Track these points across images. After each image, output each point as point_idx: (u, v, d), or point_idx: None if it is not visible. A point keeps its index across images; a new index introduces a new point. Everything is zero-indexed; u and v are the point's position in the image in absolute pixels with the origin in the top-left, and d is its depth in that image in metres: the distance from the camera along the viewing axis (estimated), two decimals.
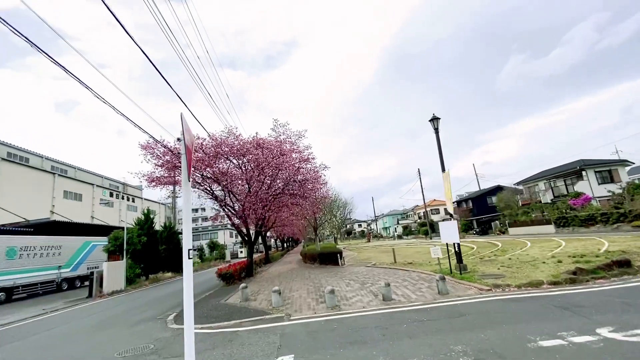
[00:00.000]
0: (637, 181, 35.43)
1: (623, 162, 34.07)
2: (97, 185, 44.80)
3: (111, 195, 47.47)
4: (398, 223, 77.38)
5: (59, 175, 36.62)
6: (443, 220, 10.93)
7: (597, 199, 31.10)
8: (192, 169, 14.82)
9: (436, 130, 11.87)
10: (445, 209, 57.51)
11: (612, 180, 32.87)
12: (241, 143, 14.58)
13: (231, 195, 15.66)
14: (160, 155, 14.61)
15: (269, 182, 15.61)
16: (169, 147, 14.17)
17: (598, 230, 24.90)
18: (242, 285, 9.72)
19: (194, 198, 17.68)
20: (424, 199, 44.05)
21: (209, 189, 16.23)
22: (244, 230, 17.00)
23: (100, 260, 21.63)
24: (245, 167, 15.39)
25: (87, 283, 19.88)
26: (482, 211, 48.16)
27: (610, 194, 29.94)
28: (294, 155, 16.06)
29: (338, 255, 17.84)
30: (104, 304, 13.41)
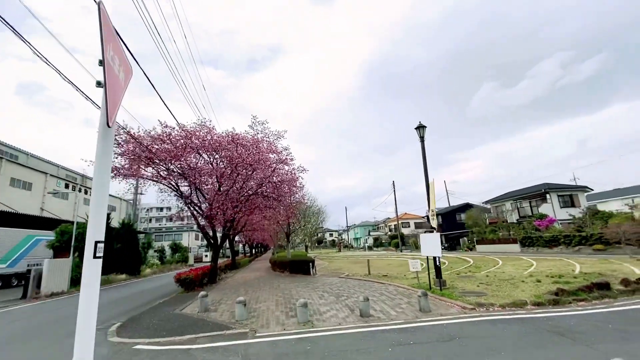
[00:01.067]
0: (594, 206, 37.66)
1: (584, 188, 35.98)
2: (51, 175, 40.91)
3: (67, 186, 43.72)
4: (369, 234, 77.60)
5: (7, 160, 33.09)
6: (425, 232, 10.40)
7: (559, 222, 32.41)
8: (157, 160, 13.49)
9: (422, 138, 11.44)
10: (425, 220, 57.79)
11: (572, 205, 34.57)
12: (214, 137, 13.45)
13: (198, 193, 14.37)
14: (122, 143, 13.16)
15: (241, 181, 14.51)
16: (132, 133, 12.76)
17: (561, 252, 25.70)
18: (202, 293, 8.55)
19: (156, 193, 16.19)
20: (396, 212, 44.22)
21: (174, 184, 14.85)
22: (210, 232, 15.67)
23: (45, 257, 19.26)
24: (217, 163, 14.22)
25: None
26: (451, 227, 49.05)
27: (571, 217, 31.40)
28: (271, 156, 15.15)
29: (310, 264, 16.91)
30: (38, 308, 11.57)
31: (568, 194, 35.54)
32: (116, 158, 13.68)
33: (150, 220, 76.22)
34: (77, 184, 46.62)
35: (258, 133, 14.73)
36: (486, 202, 45.89)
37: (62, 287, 15.83)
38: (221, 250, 49.68)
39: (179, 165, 13.09)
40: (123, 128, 12.03)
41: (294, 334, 6.31)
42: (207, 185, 15.00)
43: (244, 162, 13.28)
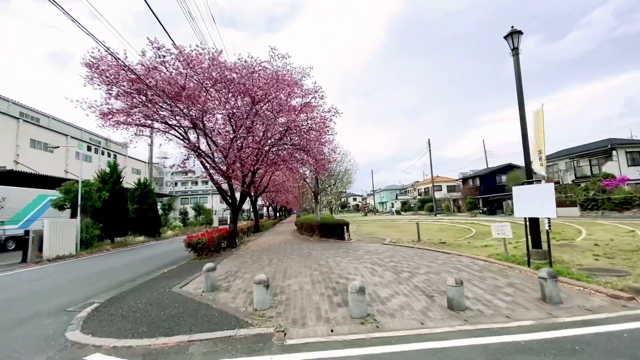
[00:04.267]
0: None
1: None
2: (72, 137, 40.03)
3: (89, 149, 43.31)
4: (396, 198, 74.56)
5: (24, 121, 32.11)
6: (522, 183, 7.24)
7: (626, 182, 27.92)
8: (156, 97, 10.71)
9: (515, 49, 7.88)
10: (459, 183, 53.61)
11: None
12: (222, 66, 10.40)
13: (208, 140, 11.66)
14: (112, 79, 10.45)
15: (262, 125, 11.60)
16: (130, 65, 9.95)
17: (634, 216, 21.85)
18: (208, 265, 6.03)
19: (171, 150, 13.71)
20: (431, 172, 40.50)
21: (183, 133, 12.23)
22: (227, 189, 13.19)
23: (61, 218, 17.96)
24: (229, 102, 11.29)
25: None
26: (490, 190, 45.03)
27: None
28: (294, 102, 12.18)
29: (344, 227, 14.29)
30: (24, 275, 9.73)
31: (638, 151, 30.45)
32: (109, 99, 11.14)
33: (176, 183, 76.67)
34: (99, 146, 46.20)
35: (279, 71, 11.59)
36: None
37: (69, 249, 14.25)
38: (244, 213, 48.57)
39: (183, 106, 10.26)
40: (114, 55, 9.12)
41: (350, 344, 3.63)
42: (218, 132, 12.27)
43: (266, 96, 10.39)
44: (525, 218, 7.07)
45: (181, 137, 12.28)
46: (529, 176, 7.44)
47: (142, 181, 23.25)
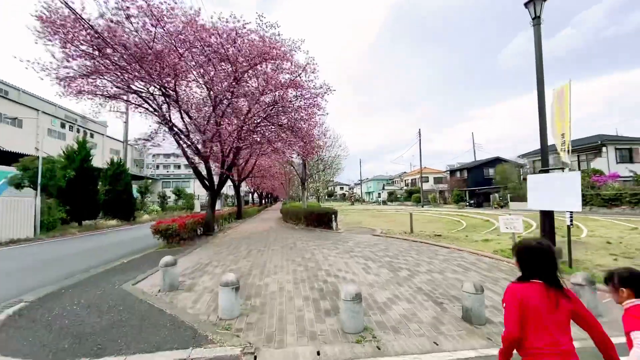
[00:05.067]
0: None
1: None
2: (44, 112, 37.29)
3: (63, 126, 40.77)
4: (383, 188, 74.28)
5: None
6: (540, 171, 6.35)
7: (615, 179, 28.07)
8: (115, 60, 9.12)
9: (537, 19, 6.86)
10: (446, 175, 53.47)
11: (631, 160, 30.10)
12: (200, 28, 9.01)
13: (181, 112, 10.30)
14: (70, 37, 8.89)
15: (245, 101, 10.35)
16: (88, 19, 8.42)
17: (624, 212, 21.74)
18: (166, 259, 4.88)
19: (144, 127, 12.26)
20: (420, 162, 39.98)
21: (156, 106, 10.78)
22: (204, 169, 11.92)
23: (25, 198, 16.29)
24: (208, 72, 9.91)
25: None
26: (478, 183, 45.02)
27: (632, 174, 27.00)
28: (282, 77, 10.90)
29: (332, 216, 13.30)
30: None
31: (627, 148, 30.67)
32: (68, 60, 9.58)
33: (158, 166, 74.00)
34: (74, 123, 43.58)
35: (266, 36, 10.25)
36: (522, 156, 40.98)
37: (25, 232, 12.78)
38: (229, 199, 47.11)
39: (147, 67, 8.83)
40: (70, 7, 7.61)
41: None
42: (197, 107, 10.92)
43: (249, 68, 9.13)
44: (540, 211, 6.20)
45: (152, 110, 10.87)
46: (545, 163, 6.55)
47: (115, 160, 21.53)
